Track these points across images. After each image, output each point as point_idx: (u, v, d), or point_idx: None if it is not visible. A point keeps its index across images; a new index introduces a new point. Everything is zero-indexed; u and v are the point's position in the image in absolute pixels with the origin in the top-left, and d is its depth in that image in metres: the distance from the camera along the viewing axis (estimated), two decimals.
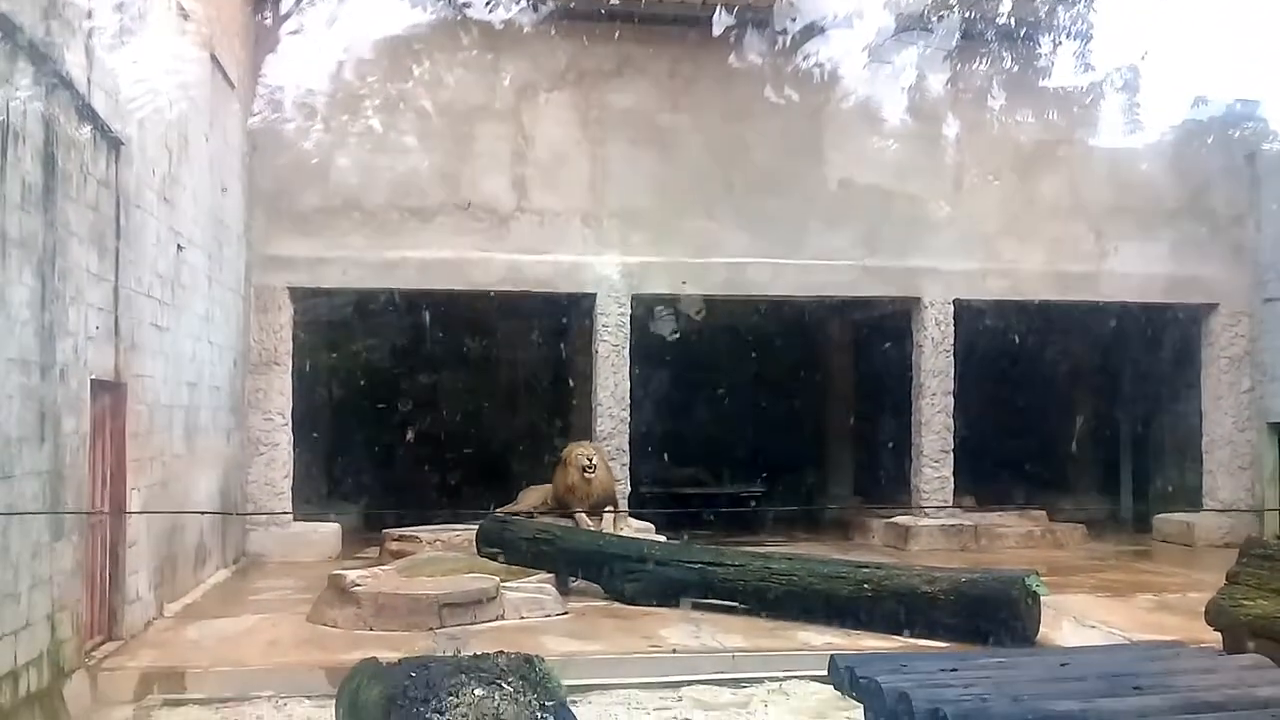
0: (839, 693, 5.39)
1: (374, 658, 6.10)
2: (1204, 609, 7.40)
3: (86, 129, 6.86)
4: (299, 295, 12.77)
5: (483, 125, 12.99)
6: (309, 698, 6.68)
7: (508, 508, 12.01)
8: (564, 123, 13.17)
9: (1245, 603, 7.18)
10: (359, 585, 8.42)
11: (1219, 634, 7.19)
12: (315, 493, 13.91)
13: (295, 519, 12.61)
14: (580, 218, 13.09)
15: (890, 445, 14.83)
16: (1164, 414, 15.93)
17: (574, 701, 5.59)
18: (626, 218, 13.15)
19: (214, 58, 10.30)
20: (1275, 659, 5.39)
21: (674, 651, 7.66)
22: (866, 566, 8.92)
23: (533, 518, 11.40)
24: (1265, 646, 6.31)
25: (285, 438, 12.60)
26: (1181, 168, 14.11)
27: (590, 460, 11.45)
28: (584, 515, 11.31)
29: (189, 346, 9.67)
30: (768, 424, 16.85)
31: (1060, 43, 13.21)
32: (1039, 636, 7.90)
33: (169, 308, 8.93)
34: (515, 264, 12.86)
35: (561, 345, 15.89)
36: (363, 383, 15.81)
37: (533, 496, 12.20)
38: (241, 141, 11.83)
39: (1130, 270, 13.84)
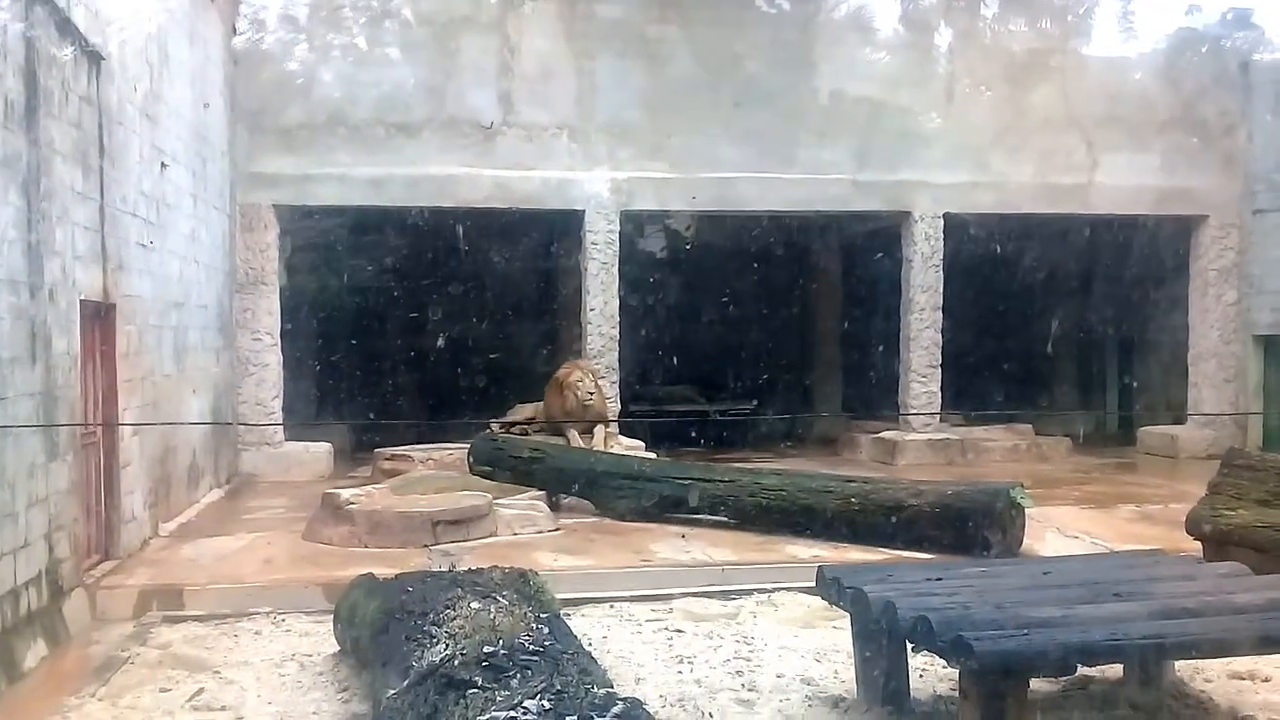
0: (826, 603, 5.49)
1: (370, 574, 6.22)
2: (1185, 519, 7.54)
3: (67, 45, 6.73)
4: (285, 213, 12.66)
5: (467, 37, 12.76)
6: (306, 613, 6.79)
7: (500, 421, 12.10)
8: (550, 34, 12.95)
9: (1226, 512, 7.32)
10: (353, 503, 8.51)
11: (1199, 543, 7.34)
12: (306, 412, 13.94)
13: (286, 439, 12.67)
14: (568, 133, 12.94)
15: (879, 361, 14.90)
16: (1151, 327, 16.01)
17: (567, 614, 5.71)
18: (615, 132, 13.01)
19: None
20: (1253, 567, 5.51)
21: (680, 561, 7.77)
22: (854, 481, 9.02)
23: (525, 434, 11.49)
24: (1244, 555, 6.45)
25: (274, 357, 12.60)
26: (1174, 77, 13.98)
27: (590, 392, 11.46)
28: (575, 433, 11.38)
29: (176, 266, 9.61)
30: (757, 341, 16.91)
31: None
32: (1023, 547, 8.04)
33: (155, 227, 8.85)
34: (502, 180, 12.74)
35: (551, 262, 15.83)
36: (352, 301, 15.76)
37: (524, 414, 12.25)
38: (223, 57, 11.62)
39: (1120, 182, 13.78)
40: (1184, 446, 13.85)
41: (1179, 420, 14.48)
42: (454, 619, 4.59)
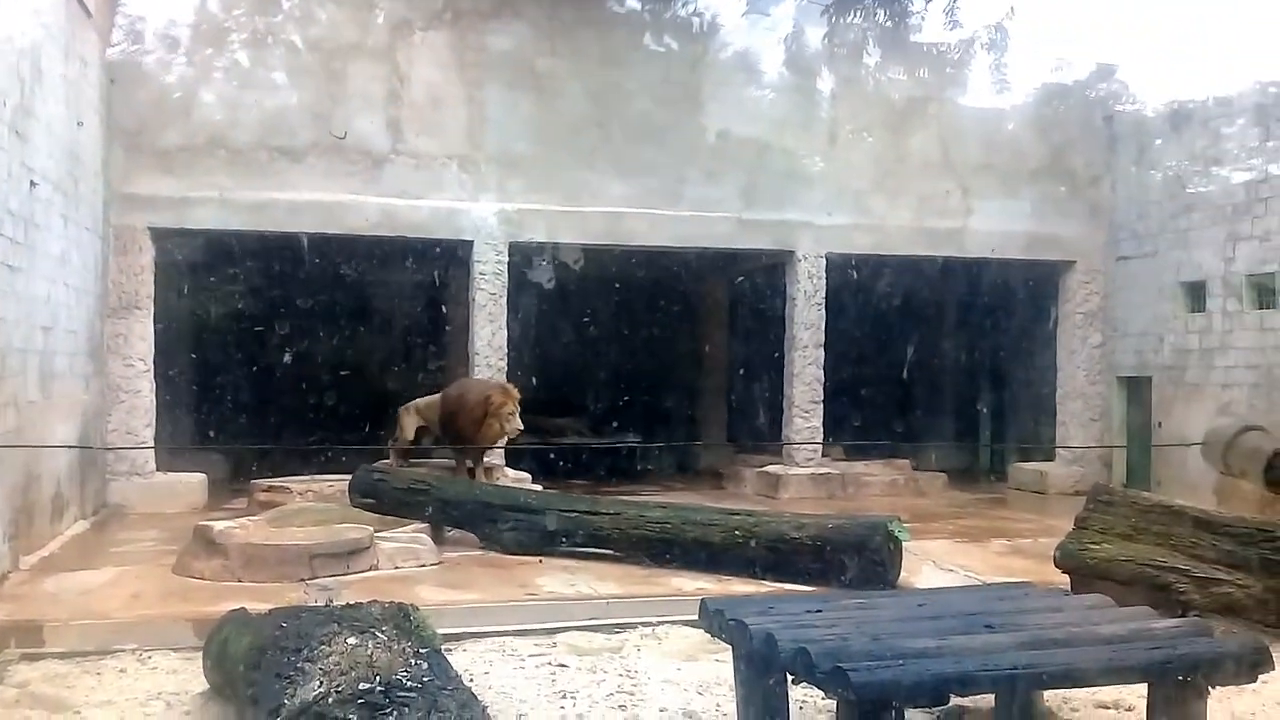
0: (710, 635, 5.52)
1: (243, 608, 6.02)
2: (1053, 552, 7.82)
3: None
4: (161, 236, 12.30)
5: (355, 64, 12.63)
6: (174, 650, 6.54)
7: (395, 443, 11.71)
8: (440, 64, 12.90)
9: (1091, 546, 7.61)
10: (226, 536, 8.25)
11: (1066, 575, 7.60)
12: (179, 441, 13.49)
13: (158, 468, 12.23)
14: (457, 162, 12.89)
15: (764, 395, 15.11)
16: (1022, 367, 16.61)
17: (449, 650, 5.62)
18: (504, 163, 13.00)
19: None
20: (1117, 599, 5.72)
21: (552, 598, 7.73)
22: (738, 514, 9.10)
23: (423, 455, 11.20)
24: (1108, 587, 6.70)
25: (147, 384, 12.18)
26: (1043, 128, 14.62)
27: (518, 428, 10.71)
28: (475, 464, 11.05)
29: (43, 288, 9.24)
30: (645, 374, 17.01)
31: None
32: (900, 579, 8.21)
33: (21, 247, 8.50)
34: (390, 208, 12.60)
35: (437, 293, 15.68)
36: (230, 329, 15.36)
37: (410, 419, 11.72)
38: (99, 73, 11.27)
39: (993, 227, 14.31)
40: (1052, 483, 14.36)
41: (1048, 457, 15.01)
42: (329, 655, 4.46)
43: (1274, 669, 4.82)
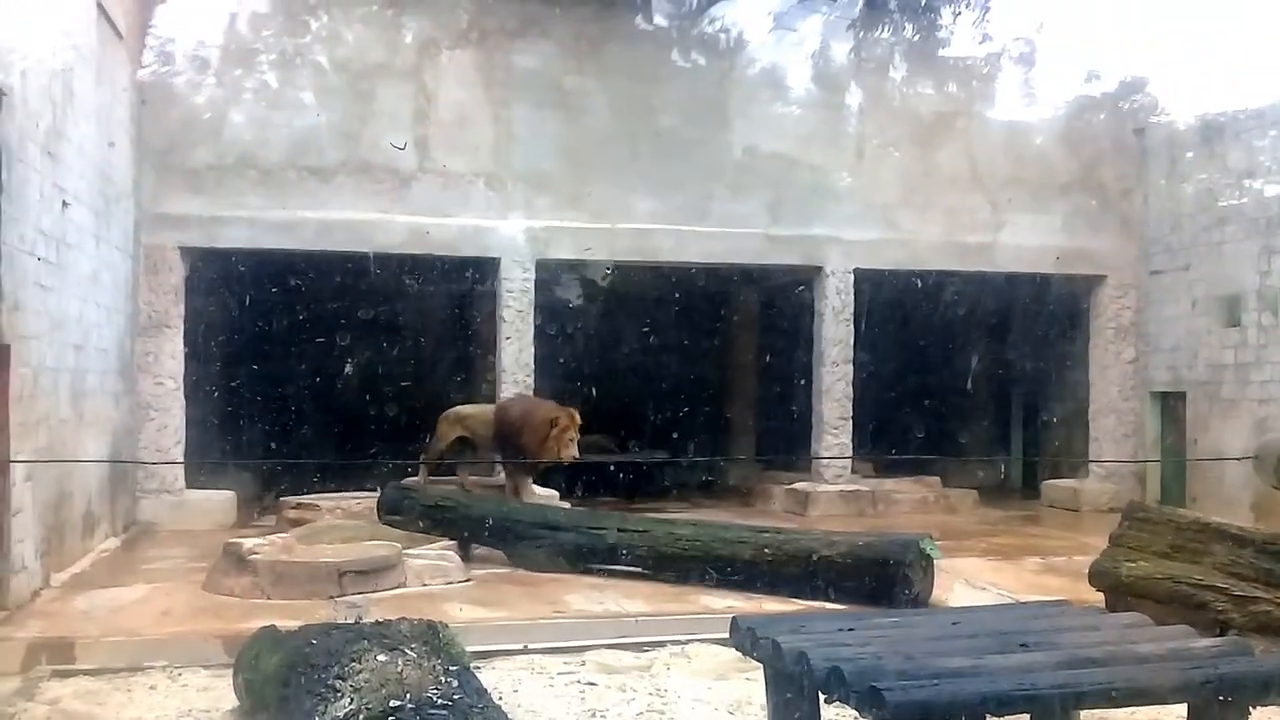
0: (740, 654, 5.46)
1: (273, 626, 6.02)
2: (1088, 570, 7.70)
3: None
4: (191, 256, 12.40)
5: (383, 83, 12.72)
6: (205, 667, 6.55)
7: (429, 447, 11.65)
8: (467, 83, 12.97)
9: (1127, 564, 7.49)
10: (256, 553, 8.27)
11: (1102, 594, 7.49)
12: (209, 459, 13.56)
13: (188, 486, 12.30)
14: (484, 180, 12.94)
15: (793, 412, 15.03)
16: (1054, 383, 16.44)
17: (477, 667, 5.59)
18: (531, 181, 13.03)
19: (100, 6, 9.88)
20: (1154, 617, 5.62)
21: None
22: (767, 531, 9.04)
23: (446, 463, 11.15)
24: (1144, 605, 6.59)
25: (177, 403, 12.26)
26: (1073, 142, 14.51)
27: (575, 452, 10.57)
28: (525, 481, 10.98)
29: (75, 307, 9.32)
30: (672, 390, 16.95)
31: (960, 13, 13.45)
32: (932, 598, 8.12)
33: (54, 267, 8.58)
34: (417, 226, 12.65)
35: (466, 310, 15.72)
36: (259, 347, 15.43)
37: (450, 428, 11.59)
38: (130, 95, 11.39)
39: (1024, 242, 14.20)
40: (1086, 500, 14.19)
41: (1081, 473, 14.84)
42: (359, 672, 4.45)
43: None
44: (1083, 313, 14.99)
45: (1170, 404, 14.29)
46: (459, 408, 11.99)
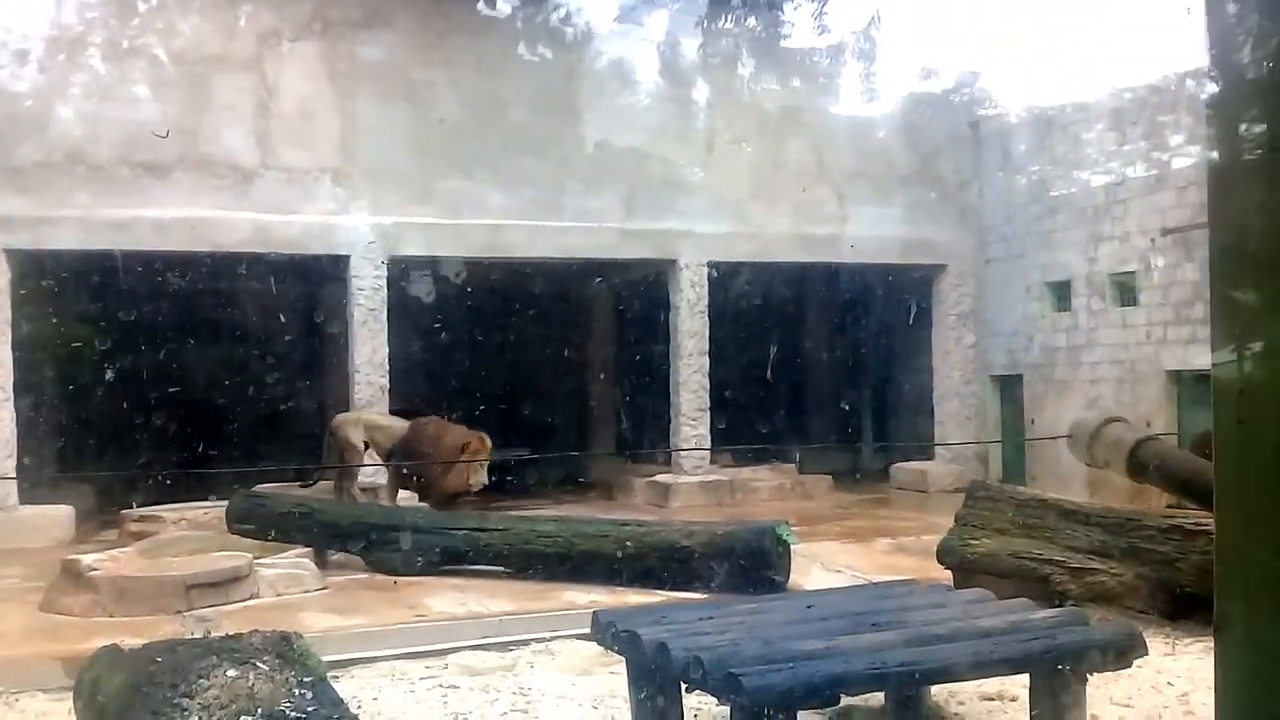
0: (603, 648, 5.48)
1: (115, 644, 5.74)
2: (935, 549, 8.00)
3: None
4: (18, 259, 11.74)
5: (221, 76, 12.27)
6: (44, 691, 6.22)
7: (338, 450, 11.27)
8: (310, 75, 12.62)
9: (971, 542, 7.82)
10: (96, 569, 7.89)
11: (949, 571, 7.78)
12: (43, 473, 12.88)
13: (21, 501, 11.65)
14: (330, 175, 12.62)
15: (652, 404, 15.14)
16: (901, 369, 17.01)
17: (335, 677, 5.46)
18: (379, 176, 12.78)
19: None
20: (997, 592, 5.87)
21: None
22: (629, 524, 9.09)
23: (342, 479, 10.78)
24: (988, 581, 6.88)
25: (6, 413, 11.60)
26: (912, 135, 15.02)
27: (484, 479, 10.58)
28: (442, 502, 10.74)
29: None
30: (531, 387, 16.88)
31: (800, 5, 13.75)
32: (790, 582, 8.30)
33: None
34: (261, 224, 12.27)
35: (315, 309, 15.31)
36: (95, 354, 14.70)
37: (355, 431, 11.26)
38: None
39: (868, 233, 14.62)
40: (933, 481, 14.72)
41: (928, 456, 15.39)
42: (208, 689, 4.29)
43: (1147, 654, 4.99)
44: (926, 300, 15.54)
45: (1009, 386, 14.94)
46: (360, 413, 11.69)
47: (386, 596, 8.30)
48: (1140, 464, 9.26)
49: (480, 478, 10.57)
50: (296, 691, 4.30)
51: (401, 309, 13.24)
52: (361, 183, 12.71)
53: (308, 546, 9.14)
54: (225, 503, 9.85)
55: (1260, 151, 1.32)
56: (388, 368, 12.74)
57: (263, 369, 15.91)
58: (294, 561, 8.71)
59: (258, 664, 4.61)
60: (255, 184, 12.33)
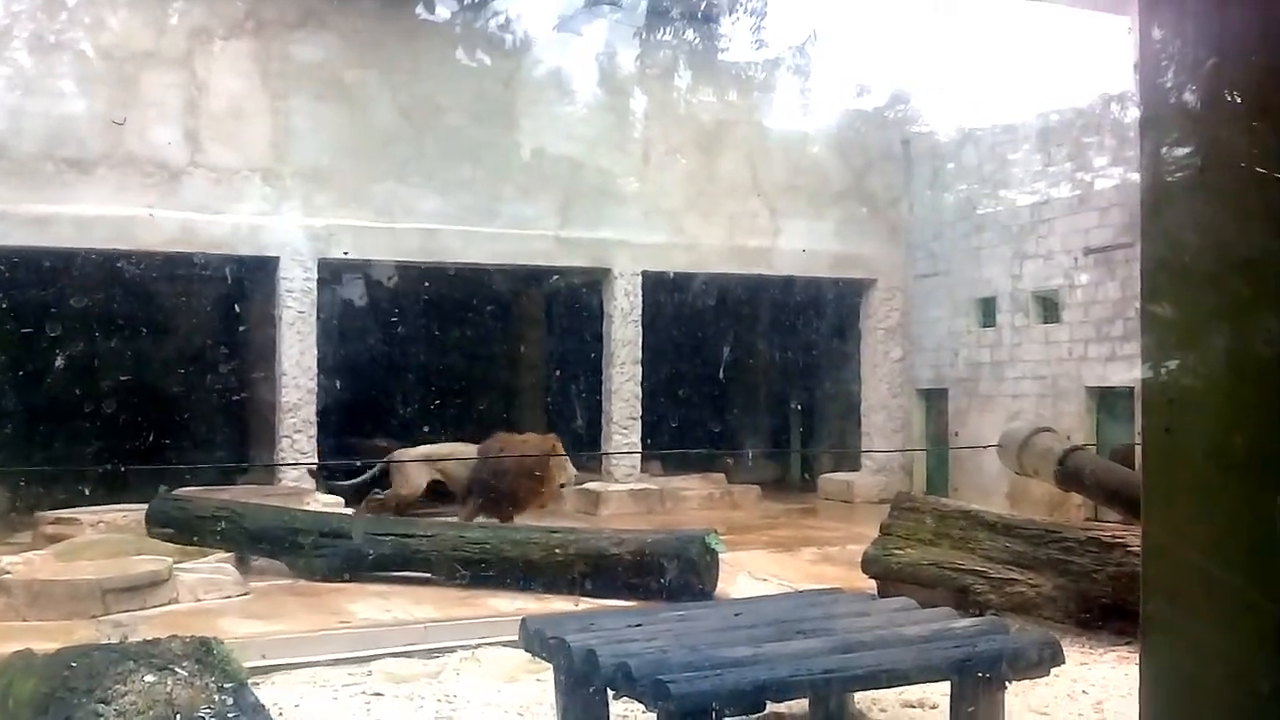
0: (530, 655, 5.46)
1: (28, 649, 5.59)
2: (860, 558, 8.10)
3: None
4: None
5: (150, 72, 12.04)
6: None
7: (393, 493, 11.02)
8: (242, 74, 12.44)
9: (896, 552, 7.93)
10: (8, 572, 7.68)
11: (873, 580, 7.89)
12: None
13: None
14: (261, 175, 12.44)
15: (584, 412, 15.14)
16: (830, 381, 17.20)
17: (256, 683, 5.37)
18: (312, 177, 12.63)
19: None
20: (920, 601, 5.96)
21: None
22: (558, 532, 9.07)
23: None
24: (912, 590, 6.99)
25: None
26: (845, 151, 15.23)
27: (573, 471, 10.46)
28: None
29: None
30: (464, 393, 16.77)
31: (738, 19, 13.91)
32: (717, 590, 8.34)
33: None
34: (188, 223, 12.04)
35: (243, 311, 15.05)
36: (10, 352, 14.32)
37: (420, 472, 10.99)
38: None
39: (801, 247, 14.78)
40: (859, 492, 14.90)
41: (855, 467, 15.58)
42: (124, 695, 4.21)
43: (1064, 663, 5.11)
44: (856, 314, 15.75)
45: (934, 400, 15.20)
46: (420, 448, 11.40)
47: (310, 602, 8.18)
48: (1067, 473, 9.49)
49: (571, 472, 10.60)
50: (216, 698, 4.23)
51: (332, 312, 13.10)
52: (293, 184, 12.55)
53: (230, 551, 8.99)
54: (145, 505, 9.65)
55: (1190, 171, 1.38)
56: (316, 371, 12.57)
57: (187, 371, 15.61)
58: (215, 566, 8.58)
59: (176, 670, 4.53)
60: (183, 183, 12.11)
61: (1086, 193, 12.68)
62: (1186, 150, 1.40)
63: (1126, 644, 6.81)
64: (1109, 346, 12.28)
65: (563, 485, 10.72)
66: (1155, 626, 1.44)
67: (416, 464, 11.04)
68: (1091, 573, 7.13)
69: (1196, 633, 1.35)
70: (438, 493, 11.55)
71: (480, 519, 10.55)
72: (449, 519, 10.48)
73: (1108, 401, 12.47)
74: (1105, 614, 7.03)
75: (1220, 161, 1.35)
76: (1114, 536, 7.29)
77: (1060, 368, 12.92)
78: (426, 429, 16.07)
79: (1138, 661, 5.38)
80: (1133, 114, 12.12)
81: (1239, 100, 1.33)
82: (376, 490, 11.37)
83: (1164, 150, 1.46)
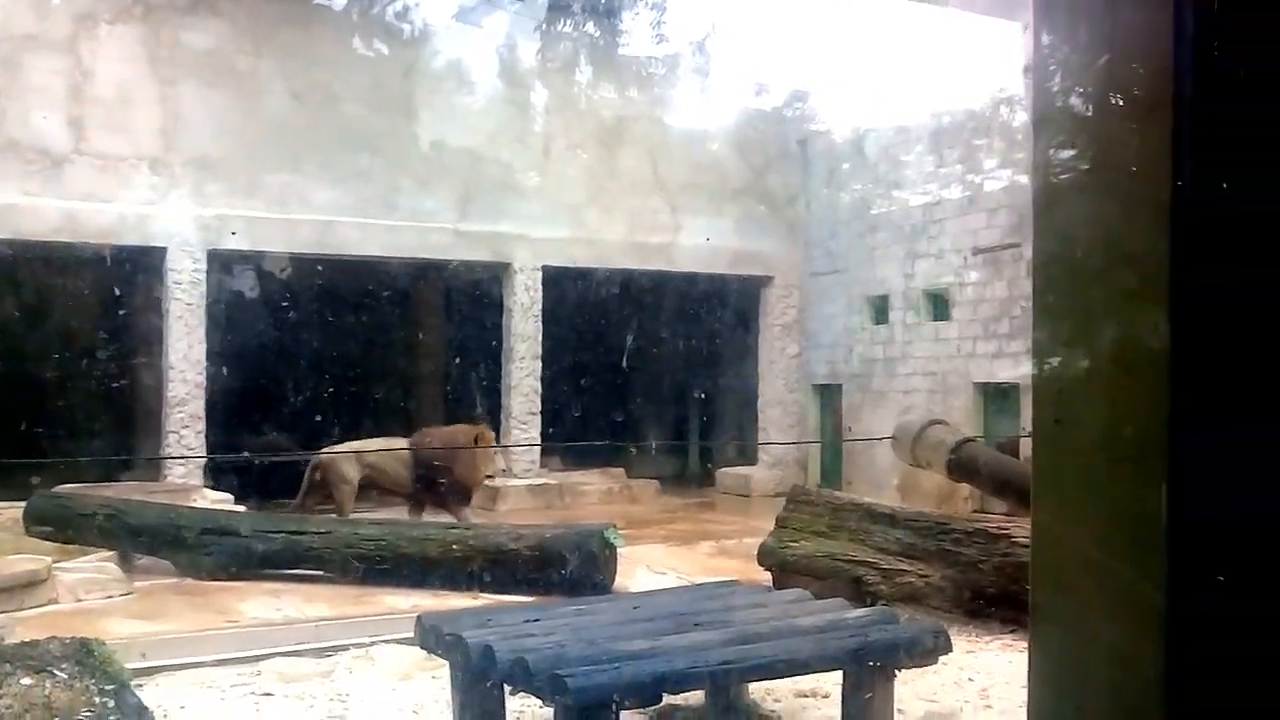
0: (425, 652, 5.41)
1: None
2: (757, 551, 8.21)
3: None
4: None
5: (32, 56, 11.58)
6: None
7: (332, 491, 10.64)
8: (130, 59, 12.05)
9: (791, 544, 8.06)
10: None
11: (769, 572, 8.00)
12: None
13: None
14: (148, 164, 12.07)
15: (482, 407, 15.02)
16: (729, 376, 17.38)
17: (139, 685, 5.22)
18: (202, 166, 12.29)
19: None
20: (815, 593, 6.07)
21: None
22: (455, 528, 9.00)
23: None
24: (807, 581, 7.10)
25: None
26: (744, 149, 15.40)
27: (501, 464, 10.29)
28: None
29: None
30: (358, 387, 16.49)
31: (639, 13, 13.95)
32: (616, 584, 8.37)
33: None
34: (72, 211, 11.63)
35: (129, 303, 14.58)
36: None
37: (351, 468, 10.65)
38: None
39: (700, 243, 14.92)
40: (755, 486, 15.09)
41: (751, 461, 15.78)
42: (1, 698, 4.06)
43: (952, 651, 5.25)
44: (753, 311, 15.94)
45: (828, 395, 15.47)
46: (344, 445, 10.98)
47: (197, 601, 7.97)
48: (959, 464, 9.75)
49: (500, 464, 10.54)
50: (97, 700, 4.11)
51: (223, 304, 12.77)
52: (182, 172, 12.20)
53: (112, 549, 8.71)
54: (23, 503, 9.29)
55: (1080, 169, 1.43)
56: (205, 365, 12.25)
57: (69, 364, 15.06)
58: (97, 565, 8.30)
59: (55, 672, 4.39)
60: (66, 170, 11.68)
61: (976, 194, 13.03)
62: (1077, 149, 1.45)
63: (1012, 632, 7.02)
64: (996, 344, 12.65)
65: (489, 477, 10.55)
66: (1043, 614, 1.49)
67: (349, 462, 10.69)
68: (978, 563, 7.33)
69: (1084, 620, 1.40)
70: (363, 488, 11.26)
71: (387, 516, 10.41)
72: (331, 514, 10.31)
73: (995, 397, 12.84)
74: (991, 603, 7.23)
75: (1109, 160, 1.40)
76: (1000, 528, 7.51)
77: (950, 364, 13.26)
78: (319, 419, 15.80)
79: (1026, 649, 5.56)
80: (1021, 118, 12.50)
81: (1128, 100, 1.38)
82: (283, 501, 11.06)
83: (1055, 149, 1.50)
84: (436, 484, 10.58)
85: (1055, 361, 1.49)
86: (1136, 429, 1.31)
